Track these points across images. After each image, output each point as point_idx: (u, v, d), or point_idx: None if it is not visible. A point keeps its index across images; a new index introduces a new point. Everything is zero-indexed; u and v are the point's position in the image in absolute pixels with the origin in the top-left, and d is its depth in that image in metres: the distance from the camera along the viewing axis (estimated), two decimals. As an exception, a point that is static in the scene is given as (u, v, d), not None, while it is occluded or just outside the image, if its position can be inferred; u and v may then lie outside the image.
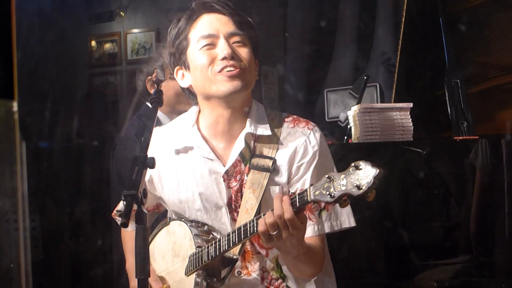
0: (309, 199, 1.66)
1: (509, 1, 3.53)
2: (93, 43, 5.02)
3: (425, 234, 2.91)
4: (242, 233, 1.80)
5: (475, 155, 2.86)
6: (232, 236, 1.82)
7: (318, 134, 2.00)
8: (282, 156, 1.96)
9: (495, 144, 2.89)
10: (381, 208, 2.82)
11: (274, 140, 1.98)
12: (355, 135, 3.01)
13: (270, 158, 1.95)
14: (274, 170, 1.94)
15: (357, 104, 3.20)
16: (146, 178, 2.06)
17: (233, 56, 1.92)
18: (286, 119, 2.03)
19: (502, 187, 2.86)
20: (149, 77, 3.23)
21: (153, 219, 2.30)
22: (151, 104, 1.87)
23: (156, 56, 3.25)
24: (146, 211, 1.60)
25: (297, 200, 1.69)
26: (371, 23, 4.24)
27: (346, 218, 1.97)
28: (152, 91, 3.24)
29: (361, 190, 1.55)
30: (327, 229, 1.95)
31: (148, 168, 1.64)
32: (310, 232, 1.91)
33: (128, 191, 1.57)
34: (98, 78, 5.02)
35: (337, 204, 1.64)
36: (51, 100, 4.24)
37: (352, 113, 3.04)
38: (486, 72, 3.59)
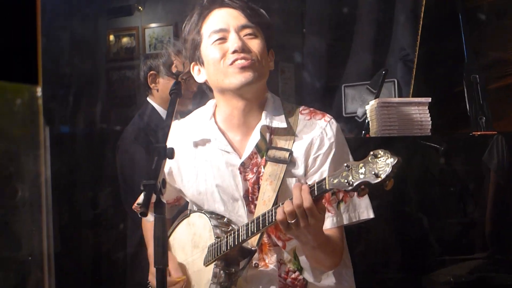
0: (327, 187, 1.66)
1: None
2: (111, 37, 5.04)
3: (442, 230, 2.90)
4: (260, 222, 1.80)
5: (489, 156, 2.84)
6: (251, 226, 1.82)
7: (334, 126, 2.00)
8: (298, 148, 1.96)
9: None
10: (398, 202, 2.81)
11: (290, 132, 1.98)
12: (372, 129, 2.99)
13: (287, 150, 1.95)
14: (290, 162, 1.94)
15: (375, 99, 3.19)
16: (166, 170, 2.08)
17: (244, 48, 1.94)
18: (302, 111, 2.04)
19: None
20: (151, 72, 3.25)
21: (174, 212, 2.30)
22: (170, 95, 1.88)
23: (163, 52, 3.27)
24: (164, 201, 1.61)
25: (316, 189, 1.69)
26: (389, 19, 4.23)
27: (365, 210, 1.96)
28: (152, 85, 3.27)
29: (379, 178, 1.54)
30: (345, 221, 1.95)
31: (167, 159, 1.65)
32: (329, 224, 1.92)
33: (148, 181, 1.58)
34: (116, 73, 5.04)
35: (355, 196, 1.63)
36: (74, 86, 4.27)
37: (369, 108, 3.02)
38: (504, 68, 3.56)
